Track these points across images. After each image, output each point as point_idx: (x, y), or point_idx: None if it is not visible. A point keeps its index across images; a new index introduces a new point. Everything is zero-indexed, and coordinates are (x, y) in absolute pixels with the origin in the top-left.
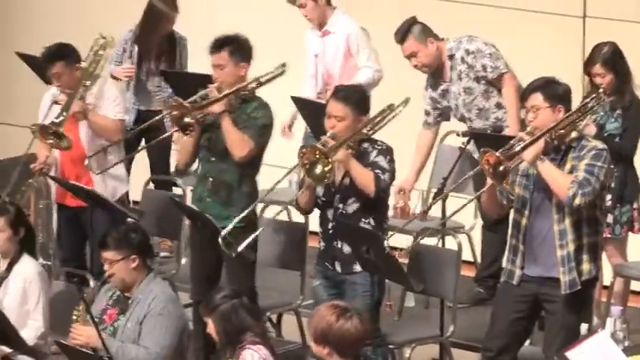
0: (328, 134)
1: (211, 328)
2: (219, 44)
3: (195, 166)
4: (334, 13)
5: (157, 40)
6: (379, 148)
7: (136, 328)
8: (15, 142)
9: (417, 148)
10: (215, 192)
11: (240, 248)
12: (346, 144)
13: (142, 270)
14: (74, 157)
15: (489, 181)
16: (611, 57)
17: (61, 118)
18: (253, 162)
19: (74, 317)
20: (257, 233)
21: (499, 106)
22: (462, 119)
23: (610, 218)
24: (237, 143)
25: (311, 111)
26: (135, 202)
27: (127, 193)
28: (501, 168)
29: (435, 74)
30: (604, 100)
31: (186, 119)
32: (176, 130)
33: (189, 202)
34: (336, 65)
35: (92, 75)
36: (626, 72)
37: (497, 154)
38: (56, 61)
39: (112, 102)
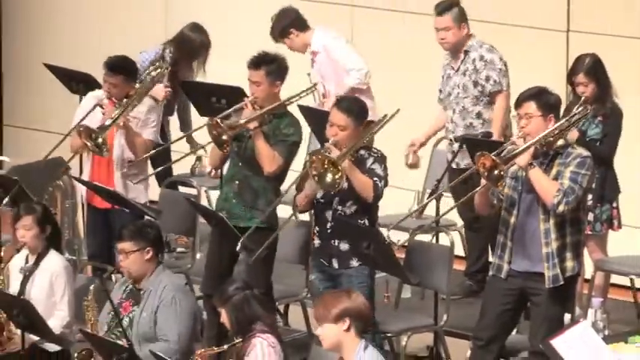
0: (330, 141)
1: (224, 317)
2: (258, 62)
3: (207, 167)
4: (314, 34)
5: (194, 67)
6: (375, 155)
7: (152, 317)
8: (45, 148)
9: (435, 121)
10: (240, 194)
11: (258, 252)
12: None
13: (153, 262)
14: (104, 161)
15: (483, 182)
16: (593, 67)
17: (107, 124)
18: (280, 173)
19: (84, 306)
20: (274, 235)
21: (479, 115)
22: (447, 108)
23: (591, 216)
24: (268, 160)
25: (315, 118)
26: (152, 202)
27: (146, 203)
28: (496, 171)
29: (451, 57)
30: (589, 111)
31: (224, 137)
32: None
33: (203, 201)
34: (330, 79)
35: (142, 97)
36: (606, 81)
37: (494, 157)
38: (118, 73)
39: (150, 124)
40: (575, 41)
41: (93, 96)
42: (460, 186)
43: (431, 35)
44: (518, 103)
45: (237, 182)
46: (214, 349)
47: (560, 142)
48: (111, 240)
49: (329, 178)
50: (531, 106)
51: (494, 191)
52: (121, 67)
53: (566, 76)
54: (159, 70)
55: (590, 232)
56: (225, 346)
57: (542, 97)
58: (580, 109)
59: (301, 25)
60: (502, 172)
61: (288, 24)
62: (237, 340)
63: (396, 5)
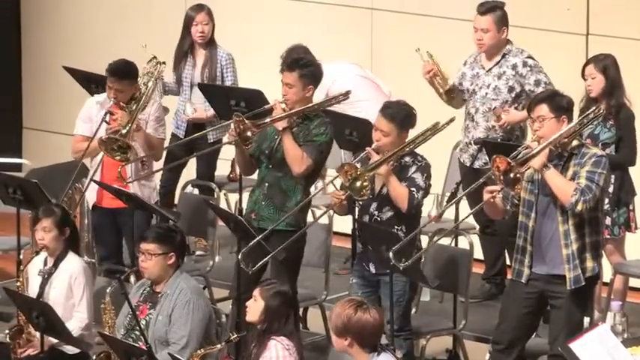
0: (373, 146)
1: (256, 310)
2: (293, 64)
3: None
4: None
5: (188, 43)
6: (419, 164)
7: (167, 320)
8: (64, 151)
9: None
10: (270, 197)
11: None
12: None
13: (173, 267)
14: (116, 164)
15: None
16: (604, 62)
17: (126, 130)
18: (310, 175)
19: (101, 309)
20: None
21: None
22: (469, 107)
23: (608, 220)
24: (296, 160)
25: (336, 121)
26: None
27: (157, 202)
28: (512, 175)
29: (480, 57)
30: (602, 110)
31: (248, 133)
32: (228, 143)
33: (222, 203)
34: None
35: (147, 95)
36: (617, 80)
37: (509, 160)
38: (122, 78)
39: (156, 122)
40: (595, 44)
41: (94, 101)
42: (475, 190)
43: (451, 38)
44: (531, 107)
45: (267, 184)
46: (212, 348)
47: (575, 142)
48: (120, 240)
49: (357, 184)
50: (543, 109)
51: (507, 196)
52: (126, 72)
53: (581, 72)
54: (157, 67)
55: (608, 236)
56: (219, 345)
57: (553, 99)
58: (593, 110)
59: None
60: (518, 175)
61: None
62: (233, 337)
63: (415, 9)
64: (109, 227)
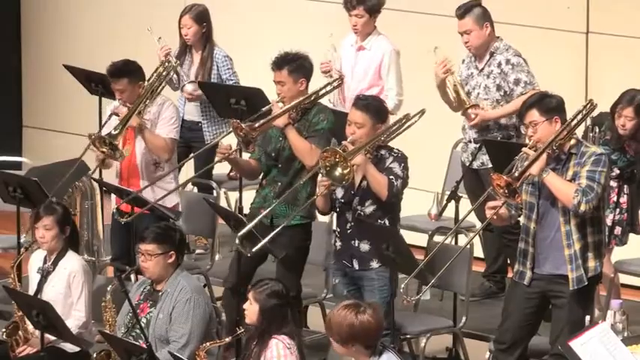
0: (348, 140)
1: (253, 312)
2: (280, 62)
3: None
4: (374, 32)
5: (182, 42)
6: (395, 155)
7: (167, 318)
8: (64, 149)
9: None
10: (281, 194)
11: (255, 249)
12: (365, 149)
13: (174, 266)
14: (131, 165)
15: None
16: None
17: (117, 131)
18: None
19: (102, 307)
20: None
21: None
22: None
23: (618, 230)
24: (306, 153)
25: (335, 121)
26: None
27: (177, 204)
28: (512, 187)
29: (474, 56)
30: (595, 105)
31: (250, 137)
32: (218, 162)
33: (222, 202)
34: (365, 82)
35: (153, 94)
36: None
37: (506, 177)
38: (122, 77)
39: (167, 122)
40: (595, 42)
41: (113, 105)
42: (476, 186)
43: (448, 36)
44: (521, 115)
45: (279, 184)
46: (217, 342)
47: (572, 141)
48: (131, 242)
49: (338, 172)
50: (534, 114)
51: (510, 204)
52: (123, 71)
53: (610, 106)
54: (167, 66)
55: (616, 246)
56: (227, 339)
57: (542, 102)
58: (585, 106)
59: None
60: (516, 187)
61: (381, 4)
62: (240, 331)
63: (417, 8)
64: (123, 229)
